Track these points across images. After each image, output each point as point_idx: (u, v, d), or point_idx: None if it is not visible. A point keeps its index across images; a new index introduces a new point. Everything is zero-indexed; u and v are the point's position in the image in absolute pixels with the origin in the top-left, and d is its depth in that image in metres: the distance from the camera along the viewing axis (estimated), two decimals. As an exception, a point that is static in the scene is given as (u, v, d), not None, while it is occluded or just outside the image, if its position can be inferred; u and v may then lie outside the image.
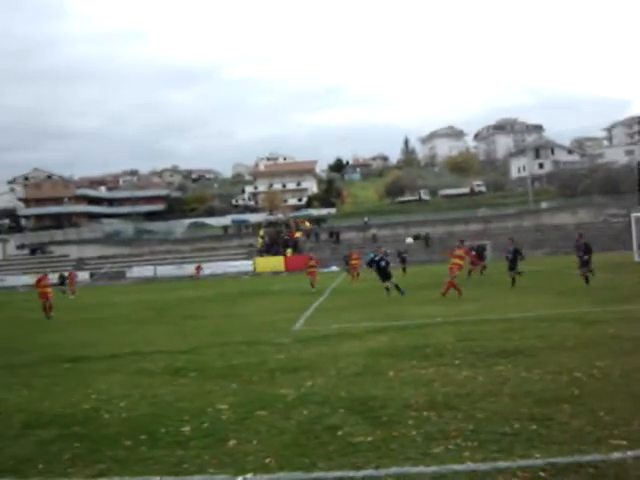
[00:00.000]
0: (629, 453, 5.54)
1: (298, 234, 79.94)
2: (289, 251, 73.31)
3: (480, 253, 36.65)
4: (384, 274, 25.58)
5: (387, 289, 25.18)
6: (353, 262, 41.41)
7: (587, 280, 24.47)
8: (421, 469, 5.49)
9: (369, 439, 6.47)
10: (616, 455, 5.53)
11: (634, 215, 45.37)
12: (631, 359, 9.67)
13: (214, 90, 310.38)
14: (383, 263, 25.55)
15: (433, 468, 5.49)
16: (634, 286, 22.48)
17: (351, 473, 5.52)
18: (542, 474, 5.21)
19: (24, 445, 7.01)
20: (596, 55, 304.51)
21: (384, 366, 10.36)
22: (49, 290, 26.61)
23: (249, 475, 5.61)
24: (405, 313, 18.63)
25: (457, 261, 24.78)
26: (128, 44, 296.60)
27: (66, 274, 50.86)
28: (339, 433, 6.74)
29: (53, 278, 45.34)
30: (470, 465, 5.53)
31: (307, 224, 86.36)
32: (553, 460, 5.49)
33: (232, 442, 6.64)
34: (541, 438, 6.15)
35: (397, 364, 10.45)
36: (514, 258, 26.38)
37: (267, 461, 5.96)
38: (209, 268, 69.69)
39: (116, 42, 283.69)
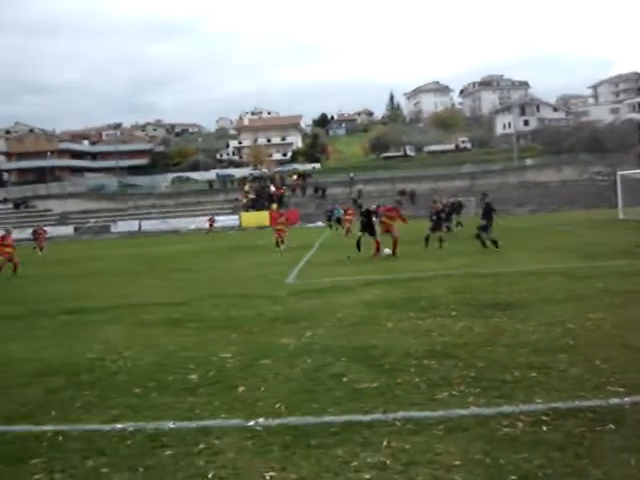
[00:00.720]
0: (626, 399, 5.77)
1: (281, 189, 79.82)
2: (274, 206, 73.25)
3: (454, 210, 35.32)
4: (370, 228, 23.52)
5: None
6: (347, 217, 41.10)
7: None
8: (428, 413, 5.68)
9: (374, 385, 6.66)
10: (614, 400, 5.75)
11: (620, 173, 45.68)
12: (622, 311, 9.94)
13: (195, 44, 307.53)
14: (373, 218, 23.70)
15: (440, 412, 5.68)
16: (620, 243, 22.77)
17: (360, 417, 5.70)
18: (544, 418, 5.41)
19: (35, 393, 7.13)
20: (583, 13, 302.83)
21: (381, 317, 10.58)
22: (9, 250, 24.63)
23: (261, 419, 5.78)
24: (395, 267, 18.85)
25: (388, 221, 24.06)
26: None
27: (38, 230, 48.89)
28: (344, 380, 6.93)
29: (26, 234, 44.74)
30: (475, 409, 5.73)
31: (294, 177, 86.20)
32: (554, 405, 5.70)
33: (240, 389, 6.81)
34: (541, 385, 6.36)
35: (394, 315, 10.67)
36: (488, 215, 25.33)
37: (277, 406, 6.14)
38: (194, 223, 69.68)
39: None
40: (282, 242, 29.87)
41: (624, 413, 5.47)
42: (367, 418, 5.67)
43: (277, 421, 5.75)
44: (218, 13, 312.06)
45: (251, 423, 5.71)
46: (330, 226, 48.50)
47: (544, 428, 5.21)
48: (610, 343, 7.88)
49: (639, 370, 6.65)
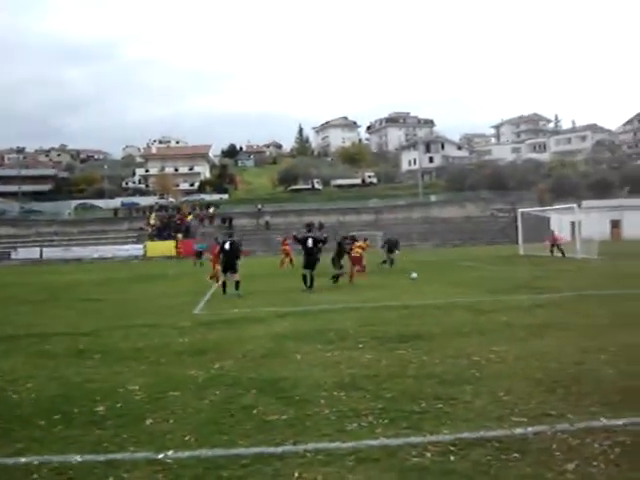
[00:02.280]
0: (530, 429, 5.98)
1: (189, 217, 79.12)
2: (180, 236, 72.48)
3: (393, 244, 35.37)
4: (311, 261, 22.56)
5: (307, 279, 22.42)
6: (284, 247, 39.29)
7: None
8: (338, 444, 5.74)
9: (284, 417, 6.67)
10: (518, 430, 5.95)
11: (520, 211, 47.30)
12: (524, 344, 10.27)
13: (108, 69, 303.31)
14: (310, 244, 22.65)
15: (350, 443, 5.75)
16: (520, 277, 23.54)
17: (271, 449, 5.71)
18: (452, 448, 5.55)
19: None
20: (486, 55, 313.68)
21: (290, 349, 10.59)
22: None
23: (170, 452, 5.71)
24: (306, 299, 18.91)
25: (359, 250, 26.11)
26: (21, 15, 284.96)
27: None
28: (254, 412, 6.91)
29: None
30: (384, 440, 5.82)
31: (196, 211, 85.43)
32: (461, 435, 5.86)
33: (149, 421, 6.71)
34: (448, 416, 6.52)
35: (302, 347, 10.70)
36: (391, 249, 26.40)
37: (187, 439, 6.08)
38: (98, 252, 68.24)
39: (8, 12, 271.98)
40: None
41: (528, 442, 5.66)
42: (278, 450, 5.68)
43: (187, 453, 5.69)
44: (131, 39, 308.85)
45: (160, 456, 5.64)
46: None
47: (452, 458, 5.34)
48: (513, 375, 8.13)
49: (541, 401, 6.89)
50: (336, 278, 24.46)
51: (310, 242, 22.55)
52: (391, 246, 33.18)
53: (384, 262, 32.88)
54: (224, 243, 21.92)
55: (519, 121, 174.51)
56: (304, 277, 22.29)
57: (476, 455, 5.37)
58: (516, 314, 13.84)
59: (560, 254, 37.78)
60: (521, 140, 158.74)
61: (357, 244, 26.82)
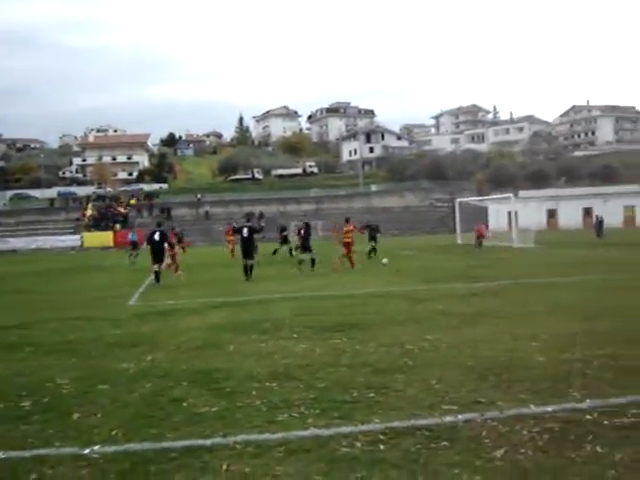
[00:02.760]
0: (460, 417, 6.00)
1: (122, 209, 77.89)
2: (118, 226, 71.45)
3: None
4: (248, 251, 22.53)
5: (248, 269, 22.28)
6: (229, 237, 37.90)
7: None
8: (268, 436, 5.67)
9: (214, 409, 6.58)
10: (448, 418, 5.96)
11: (458, 200, 47.84)
12: (458, 332, 10.37)
13: (42, 57, 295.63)
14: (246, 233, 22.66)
15: (280, 434, 5.68)
16: (457, 266, 23.79)
17: (200, 441, 5.61)
18: (382, 437, 5.53)
19: None
20: (425, 46, 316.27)
21: (224, 340, 10.49)
22: None
23: (97, 447, 5.56)
24: (244, 289, 18.81)
25: (349, 236, 26.62)
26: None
27: None
28: (184, 404, 6.80)
29: None
30: (315, 431, 5.77)
31: (132, 202, 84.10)
32: (391, 424, 5.84)
33: (76, 415, 6.54)
34: (379, 405, 6.50)
35: (237, 338, 10.61)
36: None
37: (114, 433, 5.93)
38: (35, 243, 66.80)
39: None
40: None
41: (458, 430, 5.68)
42: (207, 442, 5.59)
43: (114, 448, 5.55)
44: (67, 26, 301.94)
45: (87, 451, 5.48)
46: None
47: (382, 447, 5.32)
48: (445, 363, 8.17)
49: (472, 389, 6.93)
50: (301, 263, 25.18)
51: (245, 231, 22.56)
52: (373, 233, 32.76)
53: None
54: (153, 234, 21.98)
55: (458, 112, 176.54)
56: (244, 267, 22.18)
57: (406, 444, 5.36)
58: (451, 302, 13.99)
59: (478, 247, 37.53)
60: (460, 131, 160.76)
61: (346, 229, 27.25)
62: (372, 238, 32.22)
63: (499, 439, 5.41)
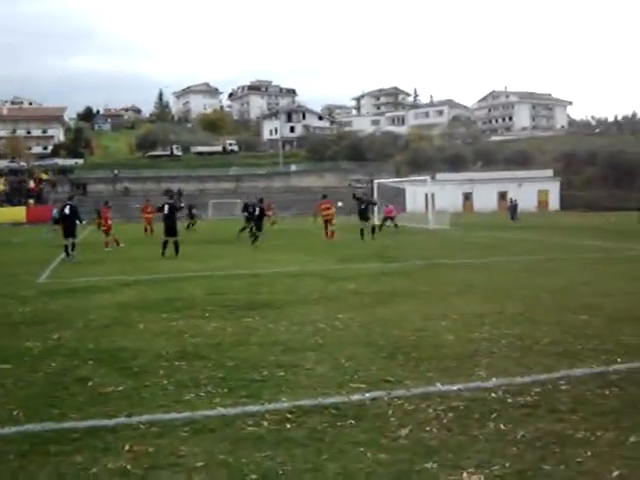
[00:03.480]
0: (367, 395, 6.03)
1: (33, 184, 75.75)
2: (31, 202, 69.53)
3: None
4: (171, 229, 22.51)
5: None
6: (146, 215, 37.36)
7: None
8: (173, 415, 5.58)
9: (120, 389, 6.44)
10: (356, 397, 5.98)
11: (377, 181, 48.24)
12: (369, 311, 10.48)
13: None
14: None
15: (185, 414, 5.60)
16: (372, 246, 24.01)
17: (103, 422, 5.48)
18: (289, 416, 5.51)
19: None
20: (349, 28, 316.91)
21: (134, 318, 10.31)
22: None
23: (-5, 428, 5.38)
24: (156, 267, 18.51)
25: (329, 212, 30.06)
26: None
27: None
28: (89, 384, 6.64)
29: None
30: (221, 410, 5.71)
31: (44, 175, 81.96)
32: (299, 403, 5.83)
33: (-26, 396, 6.31)
34: (288, 383, 6.49)
35: (147, 316, 10.45)
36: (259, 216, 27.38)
37: (15, 413, 5.74)
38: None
39: None
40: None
41: (365, 408, 5.70)
42: (111, 422, 5.46)
43: (14, 429, 5.37)
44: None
45: (-15, 432, 5.30)
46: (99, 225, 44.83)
47: (288, 426, 5.30)
48: (356, 342, 8.22)
49: (381, 367, 6.99)
50: (256, 238, 26.66)
51: (166, 209, 22.49)
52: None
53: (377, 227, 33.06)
54: (64, 207, 21.93)
55: (379, 94, 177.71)
56: (164, 243, 22.10)
57: (312, 422, 5.35)
58: (364, 282, 14.12)
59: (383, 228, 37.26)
60: (381, 112, 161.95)
61: (324, 206, 30.49)
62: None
63: (405, 417, 5.45)
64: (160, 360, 7.51)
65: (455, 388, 6.21)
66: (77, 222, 22.03)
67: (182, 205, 24.22)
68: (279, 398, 6.01)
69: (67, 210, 21.72)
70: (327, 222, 30.07)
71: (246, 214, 32.06)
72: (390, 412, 5.59)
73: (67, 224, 21.59)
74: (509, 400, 5.85)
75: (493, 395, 6.01)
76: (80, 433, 5.25)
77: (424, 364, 7.09)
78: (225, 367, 7.13)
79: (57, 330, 9.46)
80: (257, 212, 27.80)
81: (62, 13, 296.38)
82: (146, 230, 36.32)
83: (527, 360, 7.22)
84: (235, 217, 40.66)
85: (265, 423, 5.37)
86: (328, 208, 30.54)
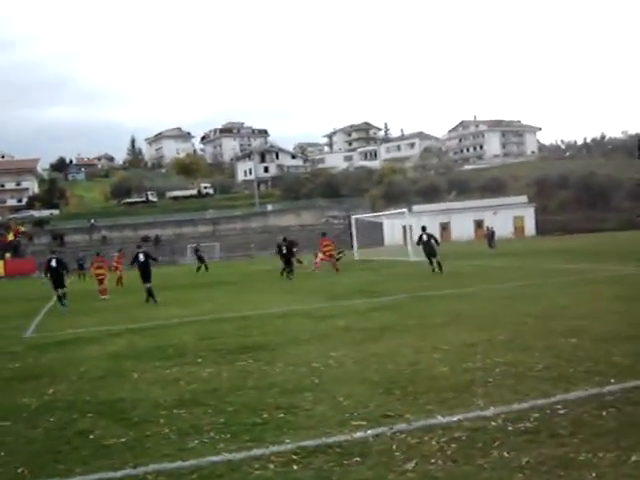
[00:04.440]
0: (369, 431, 6.08)
1: (11, 237, 75.31)
2: (8, 255, 69.05)
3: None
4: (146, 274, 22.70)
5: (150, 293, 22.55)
6: (117, 265, 36.60)
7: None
8: (179, 464, 5.60)
9: (122, 440, 6.44)
10: (359, 434, 6.03)
11: (354, 217, 48.50)
12: (361, 347, 10.52)
13: None
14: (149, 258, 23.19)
15: (191, 462, 5.62)
16: (356, 282, 24.12)
17: (110, 474, 5.49)
18: (294, 457, 5.55)
19: None
20: (313, 67, 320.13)
21: (127, 368, 10.29)
22: None
23: (2, 487, 5.39)
24: (141, 315, 18.47)
25: (328, 249, 33.09)
26: None
27: None
28: (91, 437, 6.63)
29: None
30: (226, 455, 5.74)
31: (22, 228, 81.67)
32: (303, 443, 5.87)
33: (-23, 456, 6.29)
34: (289, 425, 6.52)
35: (140, 365, 10.43)
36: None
37: (20, 471, 5.74)
38: None
39: None
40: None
41: (369, 445, 5.75)
42: (117, 475, 5.48)
43: (21, 486, 5.38)
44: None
45: (-9, 492, 5.30)
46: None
47: (295, 467, 5.34)
48: (352, 379, 8.27)
49: (379, 403, 7.04)
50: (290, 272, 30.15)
51: (142, 257, 22.82)
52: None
53: None
54: (50, 260, 22.59)
55: (350, 130, 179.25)
56: (148, 291, 22.39)
57: (318, 462, 5.40)
58: (353, 318, 14.17)
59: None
60: (353, 148, 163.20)
61: (325, 242, 33.47)
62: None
63: (409, 451, 5.51)
64: (159, 409, 7.52)
65: (455, 419, 6.28)
66: (64, 273, 22.70)
67: (157, 258, 24.56)
68: (282, 440, 6.04)
69: (54, 263, 22.37)
70: (331, 257, 33.15)
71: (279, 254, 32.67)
72: (394, 447, 5.64)
73: (56, 276, 22.25)
74: (510, 427, 5.93)
75: (493, 423, 6.08)
76: (89, 487, 5.26)
77: (422, 397, 7.16)
78: (225, 412, 7.15)
79: (51, 384, 9.43)
80: (285, 250, 30.89)
81: (29, 63, 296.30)
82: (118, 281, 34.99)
83: (523, 387, 7.30)
84: (212, 260, 40.40)
85: (271, 466, 5.40)
86: (328, 245, 33.38)
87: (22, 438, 6.78)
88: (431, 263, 26.46)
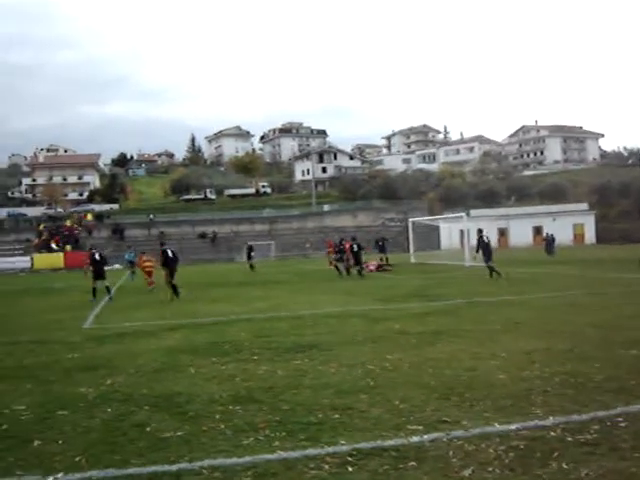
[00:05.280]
0: (425, 436, 6.01)
1: (70, 224, 76.61)
2: (68, 247, 70.40)
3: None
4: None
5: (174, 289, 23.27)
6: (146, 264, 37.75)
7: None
8: (235, 460, 5.61)
9: (178, 434, 6.49)
10: (415, 438, 5.97)
11: (411, 220, 48.23)
12: (417, 351, 10.43)
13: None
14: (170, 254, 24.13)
15: (246, 458, 5.63)
16: (412, 285, 23.97)
17: (165, 467, 5.53)
18: (349, 458, 5.52)
19: None
20: (376, 68, 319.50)
21: (184, 363, 10.37)
22: None
23: (60, 474, 5.45)
24: (196, 311, 18.61)
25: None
26: None
27: None
28: (147, 429, 6.69)
29: None
30: (281, 454, 5.73)
31: (89, 217, 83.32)
32: (358, 445, 5.83)
33: (36, 442, 6.38)
34: (344, 426, 6.49)
35: (196, 360, 10.51)
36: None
37: (77, 460, 5.81)
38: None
39: None
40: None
41: (425, 450, 5.68)
42: (173, 468, 5.51)
43: (78, 475, 5.44)
44: (14, 43, 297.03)
45: (50, 479, 5.37)
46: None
47: (350, 469, 5.31)
48: (407, 383, 8.20)
49: (436, 408, 6.97)
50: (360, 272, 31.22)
51: (170, 253, 24.01)
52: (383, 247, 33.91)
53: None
54: (94, 254, 24.56)
55: (409, 132, 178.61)
56: (174, 287, 23.11)
57: (374, 465, 5.36)
58: (409, 322, 14.07)
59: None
60: (411, 151, 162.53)
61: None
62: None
63: (466, 458, 5.44)
64: (215, 404, 7.56)
65: (513, 427, 6.17)
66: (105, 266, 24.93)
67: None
68: (338, 441, 6.01)
69: (97, 256, 24.42)
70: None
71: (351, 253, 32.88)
72: (451, 453, 5.57)
73: (98, 268, 24.36)
74: (569, 438, 5.81)
75: (552, 434, 5.96)
76: (144, 479, 5.30)
77: (479, 404, 7.07)
78: (280, 410, 7.16)
79: (109, 376, 9.56)
80: (355, 248, 31.43)
81: (97, 61, 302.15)
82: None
83: (582, 397, 7.16)
84: (267, 259, 40.57)
85: (326, 466, 5.38)
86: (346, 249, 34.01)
87: (80, 427, 6.88)
88: (492, 269, 26.09)
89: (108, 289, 24.49)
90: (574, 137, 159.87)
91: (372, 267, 36.26)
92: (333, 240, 38.74)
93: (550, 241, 50.92)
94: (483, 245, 26.72)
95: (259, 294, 23.67)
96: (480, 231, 27.67)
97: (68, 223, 76.40)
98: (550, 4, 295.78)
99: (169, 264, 23.43)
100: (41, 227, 76.55)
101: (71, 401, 8.05)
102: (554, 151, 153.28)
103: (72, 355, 11.69)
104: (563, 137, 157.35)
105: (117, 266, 58.97)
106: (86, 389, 8.70)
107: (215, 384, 8.69)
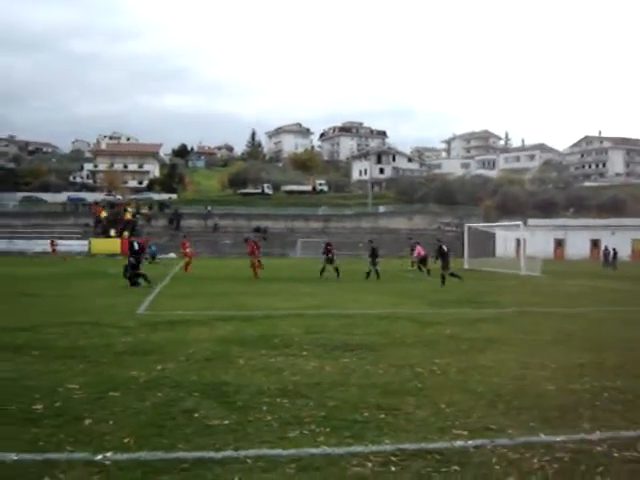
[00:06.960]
0: (470, 442, 6.01)
1: (129, 216, 77.64)
2: (126, 234, 71.41)
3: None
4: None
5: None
6: (186, 250, 37.63)
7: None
8: (279, 452, 5.69)
9: (225, 422, 6.60)
10: (459, 443, 5.98)
11: (467, 225, 47.86)
12: (467, 357, 10.40)
13: (56, 61, 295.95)
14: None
15: (291, 451, 5.71)
16: (464, 291, 23.81)
17: (211, 453, 5.63)
18: (393, 458, 5.55)
19: None
20: (438, 71, 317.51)
21: (234, 354, 10.51)
22: None
23: (109, 454, 5.59)
24: (248, 304, 18.78)
25: None
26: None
27: None
28: (195, 415, 6.83)
29: None
30: (326, 449, 5.80)
31: (145, 210, 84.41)
32: (402, 446, 5.87)
33: (87, 421, 6.56)
34: (389, 426, 6.53)
35: (246, 352, 10.63)
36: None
37: (126, 441, 5.96)
38: (41, 245, 66.68)
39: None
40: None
41: (468, 455, 5.69)
42: (218, 455, 5.61)
43: (126, 456, 5.58)
44: (81, 31, 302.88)
45: (99, 457, 5.51)
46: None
47: (392, 468, 5.35)
48: (454, 387, 8.20)
49: (482, 415, 6.95)
50: (368, 274, 31.16)
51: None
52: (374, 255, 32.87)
53: (368, 273, 31.91)
54: (132, 243, 26.20)
55: (470, 137, 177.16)
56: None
57: (417, 466, 5.39)
58: (459, 327, 14.00)
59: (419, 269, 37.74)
60: (471, 156, 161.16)
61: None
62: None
63: (509, 466, 5.43)
64: (262, 396, 7.66)
65: (559, 439, 6.13)
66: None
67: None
68: (382, 440, 6.05)
69: (136, 245, 25.94)
70: None
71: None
72: (494, 460, 5.56)
73: (135, 258, 25.60)
74: (615, 454, 5.75)
75: (598, 448, 5.91)
76: (189, 464, 5.40)
77: (526, 413, 7.03)
78: (326, 406, 7.22)
79: (160, 361, 9.75)
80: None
81: (162, 53, 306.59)
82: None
83: (631, 414, 7.07)
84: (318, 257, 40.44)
85: (369, 464, 5.42)
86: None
87: (130, 409, 7.04)
88: (444, 278, 27.74)
89: (145, 277, 25.23)
90: (638, 150, 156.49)
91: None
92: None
93: (612, 255, 50.03)
94: (442, 254, 28.68)
95: (309, 290, 23.76)
96: (439, 240, 31.27)
97: (128, 215, 77.40)
98: (619, 13, 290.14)
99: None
100: (102, 214, 77.55)
101: (122, 383, 8.23)
102: (616, 163, 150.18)
103: (125, 339, 11.95)
104: (627, 150, 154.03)
105: (172, 254, 59.84)
106: (137, 373, 8.88)
107: (263, 376, 8.80)
